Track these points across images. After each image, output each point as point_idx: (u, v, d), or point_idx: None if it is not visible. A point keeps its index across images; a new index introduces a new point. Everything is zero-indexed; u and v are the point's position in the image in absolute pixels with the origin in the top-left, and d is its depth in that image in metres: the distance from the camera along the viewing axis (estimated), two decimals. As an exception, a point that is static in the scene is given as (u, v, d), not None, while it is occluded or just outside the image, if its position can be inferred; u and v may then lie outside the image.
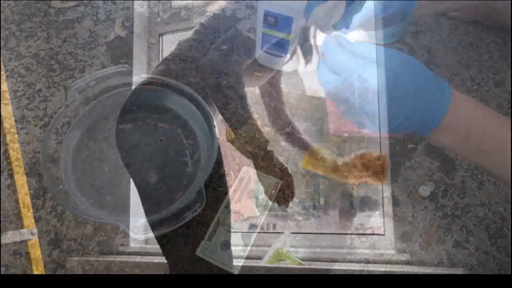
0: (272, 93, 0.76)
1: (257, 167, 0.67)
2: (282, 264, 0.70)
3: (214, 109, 0.70)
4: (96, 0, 1.07)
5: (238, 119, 0.68)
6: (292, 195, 0.62)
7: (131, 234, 0.59)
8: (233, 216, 0.64)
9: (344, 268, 0.69)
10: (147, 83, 0.67)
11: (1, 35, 0.92)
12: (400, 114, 0.42)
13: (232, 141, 0.64)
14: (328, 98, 0.47)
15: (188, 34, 0.76)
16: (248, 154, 0.64)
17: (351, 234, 0.77)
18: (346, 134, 0.73)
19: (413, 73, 0.43)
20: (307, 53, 0.68)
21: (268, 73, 0.75)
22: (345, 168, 0.66)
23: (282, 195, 0.62)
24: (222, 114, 0.68)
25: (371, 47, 0.44)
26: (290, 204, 0.68)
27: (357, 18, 0.51)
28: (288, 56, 0.75)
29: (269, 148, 0.64)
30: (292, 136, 0.72)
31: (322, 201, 0.74)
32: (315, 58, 0.55)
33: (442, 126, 0.42)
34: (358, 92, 0.43)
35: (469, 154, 0.43)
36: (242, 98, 0.66)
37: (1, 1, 0.97)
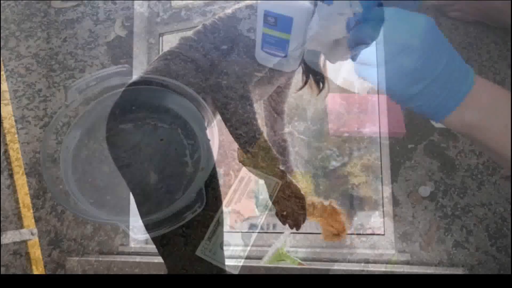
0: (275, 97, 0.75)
1: (257, 167, 0.67)
2: (282, 264, 0.70)
3: (214, 109, 0.70)
4: (96, 0, 1.07)
5: (238, 119, 0.68)
6: (304, 219, 0.61)
7: (131, 234, 0.59)
8: (233, 216, 0.64)
9: (344, 268, 0.69)
10: (139, 82, 0.67)
11: (1, 35, 0.92)
12: (428, 75, 0.41)
13: (243, 162, 0.64)
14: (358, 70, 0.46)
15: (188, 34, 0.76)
16: (259, 175, 0.64)
17: (351, 234, 0.77)
18: (346, 134, 0.73)
19: (444, 39, 0.42)
20: (319, 81, 0.69)
21: (267, 72, 0.75)
22: (311, 206, 0.66)
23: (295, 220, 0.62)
24: (222, 114, 0.68)
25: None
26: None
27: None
28: (288, 56, 0.75)
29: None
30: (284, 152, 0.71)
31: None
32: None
33: (468, 101, 0.42)
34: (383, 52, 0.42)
35: (493, 132, 0.43)
36: (242, 98, 0.66)
37: (1, 1, 0.97)
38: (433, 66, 0.41)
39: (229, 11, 0.74)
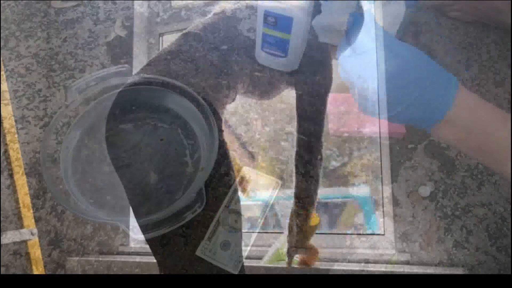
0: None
1: (257, 167, 0.67)
2: (282, 264, 0.70)
3: (214, 109, 0.70)
4: (96, 0, 1.07)
5: (238, 119, 0.68)
6: None
7: (131, 234, 0.59)
8: (233, 216, 0.64)
9: (344, 268, 0.69)
10: (139, 83, 0.67)
11: (1, 35, 0.92)
12: (404, 100, 0.42)
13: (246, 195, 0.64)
14: (340, 71, 0.47)
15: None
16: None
17: (351, 234, 0.77)
18: (346, 134, 0.73)
19: (421, 62, 0.43)
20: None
21: (267, 72, 0.75)
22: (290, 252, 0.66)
23: None
24: (222, 114, 0.68)
25: (389, 36, 0.44)
26: (290, 204, 0.68)
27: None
28: (288, 56, 0.75)
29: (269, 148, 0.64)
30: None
31: (322, 201, 0.74)
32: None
33: (446, 120, 0.42)
34: (368, 74, 0.43)
35: (471, 150, 0.43)
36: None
37: (1, 1, 0.97)
38: (406, 96, 0.42)
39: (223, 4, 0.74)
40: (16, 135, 0.80)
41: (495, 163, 0.42)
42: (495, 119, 0.42)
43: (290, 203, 0.69)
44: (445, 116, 0.41)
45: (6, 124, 0.79)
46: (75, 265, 0.64)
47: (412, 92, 0.41)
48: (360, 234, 0.75)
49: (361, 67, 0.44)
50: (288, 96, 0.76)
